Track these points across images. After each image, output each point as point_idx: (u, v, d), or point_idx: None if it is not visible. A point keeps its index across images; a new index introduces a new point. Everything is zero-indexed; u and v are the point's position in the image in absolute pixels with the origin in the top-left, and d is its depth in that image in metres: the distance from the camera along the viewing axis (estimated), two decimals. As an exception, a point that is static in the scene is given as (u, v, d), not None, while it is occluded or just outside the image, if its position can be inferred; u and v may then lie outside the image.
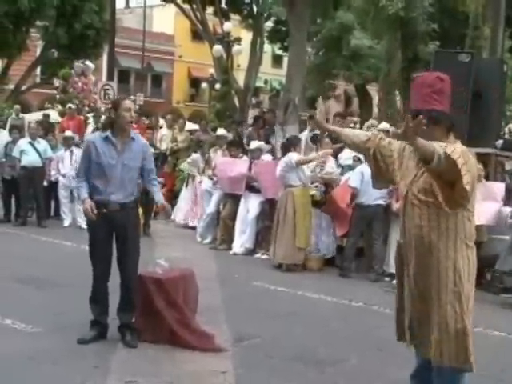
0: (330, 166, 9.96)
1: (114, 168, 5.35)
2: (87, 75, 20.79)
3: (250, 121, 17.55)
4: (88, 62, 20.96)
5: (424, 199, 3.58)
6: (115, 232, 5.43)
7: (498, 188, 8.63)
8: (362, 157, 9.22)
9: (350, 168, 9.64)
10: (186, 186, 12.65)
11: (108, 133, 5.42)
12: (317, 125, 4.36)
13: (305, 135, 11.42)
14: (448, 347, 3.60)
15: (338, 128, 4.35)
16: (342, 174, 9.89)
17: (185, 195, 12.66)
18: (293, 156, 9.23)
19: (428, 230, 3.62)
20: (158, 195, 5.70)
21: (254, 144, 10.90)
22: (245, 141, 12.50)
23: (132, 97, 35.81)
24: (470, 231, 3.65)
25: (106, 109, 15.46)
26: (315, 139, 10.44)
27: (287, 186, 9.29)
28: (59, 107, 21.75)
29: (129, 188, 5.45)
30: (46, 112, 19.94)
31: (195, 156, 12.50)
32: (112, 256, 5.51)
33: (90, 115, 17.73)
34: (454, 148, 3.40)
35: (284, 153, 9.59)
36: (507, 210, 8.45)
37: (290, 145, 9.54)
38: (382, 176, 4.04)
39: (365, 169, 8.87)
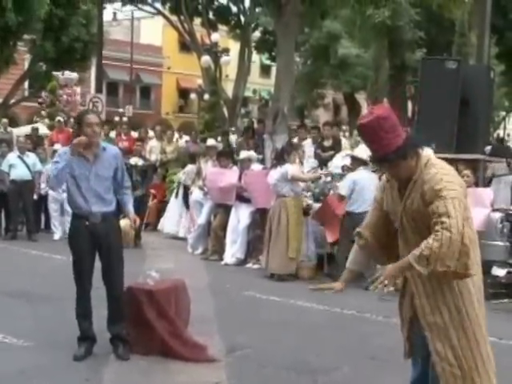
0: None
1: (87, 179, 5.36)
2: (71, 86, 20.64)
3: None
4: (69, 72, 20.76)
5: (421, 225, 3.52)
6: (98, 243, 5.42)
7: (487, 194, 8.68)
8: (349, 164, 9.25)
9: (341, 176, 9.64)
10: (176, 196, 12.61)
11: None
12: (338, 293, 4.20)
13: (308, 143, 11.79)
14: (472, 357, 3.57)
15: (346, 272, 4.10)
16: (331, 181, 9.89)
17: (173, 205, 12.61)
18: (289, 169, 9.19)
19: None
20: (129, 206, 5.70)
21: (244, 154, 10.90)
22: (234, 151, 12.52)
23: (120, 109, 35.90)
24: (474, 239, 3.63)
25: (72, 120, 15.38)
26: (289, 149, 9.76)
27: (280, 195, 9.29)
28: (47, 121, 21.68)
29: (106, 198, 5.45)
30: (35, 125, 19.88)
31: (191, 167, 12.41)
32: (94, 269, 5.50)
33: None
34: (446, 227, 3.27)
35: (277, 161, 9.56)
36: (496, 215, 8.49)
37: (283, 153, 9.51)
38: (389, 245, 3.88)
39: (356, 177, 8.88)
